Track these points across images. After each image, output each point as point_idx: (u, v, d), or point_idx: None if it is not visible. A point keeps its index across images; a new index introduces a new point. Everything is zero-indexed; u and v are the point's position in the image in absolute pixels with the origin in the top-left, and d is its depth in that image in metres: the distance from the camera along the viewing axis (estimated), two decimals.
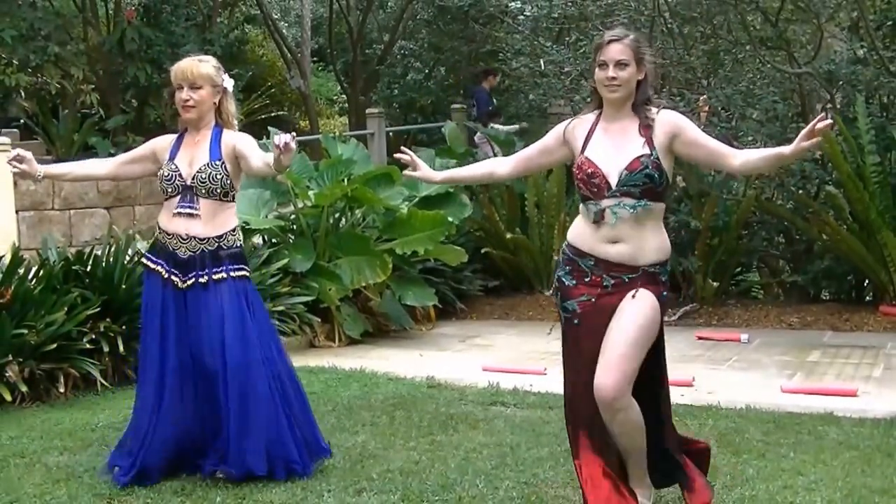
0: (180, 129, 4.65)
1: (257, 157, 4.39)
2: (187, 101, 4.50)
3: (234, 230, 4.55)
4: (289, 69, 14.32)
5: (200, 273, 4.45)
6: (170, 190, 4.51)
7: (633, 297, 3.73)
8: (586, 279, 3.80)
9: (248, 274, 4.61)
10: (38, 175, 4.55)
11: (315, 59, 16.89)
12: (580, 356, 3.82)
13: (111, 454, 4.70)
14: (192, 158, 4.50)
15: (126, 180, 4.84)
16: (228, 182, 4.49)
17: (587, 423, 3.80)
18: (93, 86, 11.13)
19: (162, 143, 4.65)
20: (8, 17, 10.30)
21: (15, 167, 4.52)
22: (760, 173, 3.93)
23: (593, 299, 3.78)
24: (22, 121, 12.14)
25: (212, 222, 4.48)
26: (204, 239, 4.46)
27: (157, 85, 11.61)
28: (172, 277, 4.48)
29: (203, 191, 4.46)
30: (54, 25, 10.96)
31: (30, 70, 10.82)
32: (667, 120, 3.80)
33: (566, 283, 3.85)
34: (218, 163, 4.47)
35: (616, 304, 3.75)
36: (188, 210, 4.47)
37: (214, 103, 4.55)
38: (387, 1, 15.12)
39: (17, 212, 8.62)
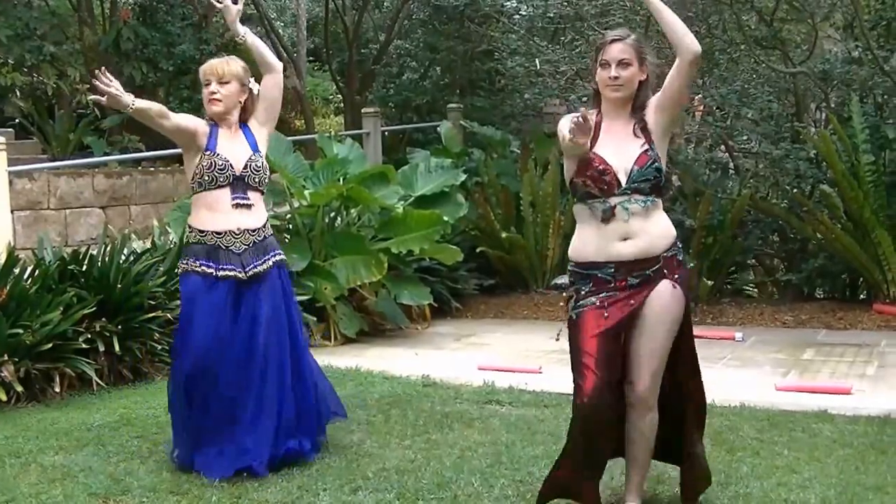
0: (208, 123, 4.66)
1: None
2: (214, 93, 4.59)
3: (267, 220, 4.76)
4: (285, 69, 14.31)
5: (257, 263, 4.60)
6: (220, 180, 4.55)
7: (656, 297, 3.74)
8: (610, 285, 3.76)
9: (284, 257, 4.81)
10: (130, 105, 4.44)
11: (311, 58, 16.88)
12: (598, 351, 3.72)
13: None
14: (236, 151, 4.60)
15: (173, 139, 4.78)
16: (268, 173, 4.71)
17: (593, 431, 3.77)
18: (88, 85, 11.10)
19: (201, 128, 4.62)
20: (3, 17, 10.29)
21: (104, 89, 4.42)
22: (676, 39, 3.66)
23: (618, 293, 3.74)
24: (17, 120, 12.12)
25: (258, 213, 4.68)
26: (254, 230, 4.62)
27: (152, 84, 11.61)
28: (230, 273, 4.56)
29: (256, 181, 4.62)
30: (50, 25, 10.95)
31: (25, 70, 10.80)
32: (649, 108, 3.80)
33: (584, 289, 3.79)
34: (259, 155, 4.65)
35: (639, 305, 3.75)
36: (244, 201, 4.59)
37: (240, 102, 4.66)
38: (382, 1, 15.12)
39: (12, 211, 8.60)
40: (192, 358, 4.56)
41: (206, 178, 4.57)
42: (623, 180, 3.72)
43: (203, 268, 4.57)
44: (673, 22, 3.69)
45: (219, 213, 4.59)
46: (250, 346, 4.56)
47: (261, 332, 4.57)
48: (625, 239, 3.73)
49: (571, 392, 3.83)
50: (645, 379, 3.80)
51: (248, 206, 4.61)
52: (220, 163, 4.56)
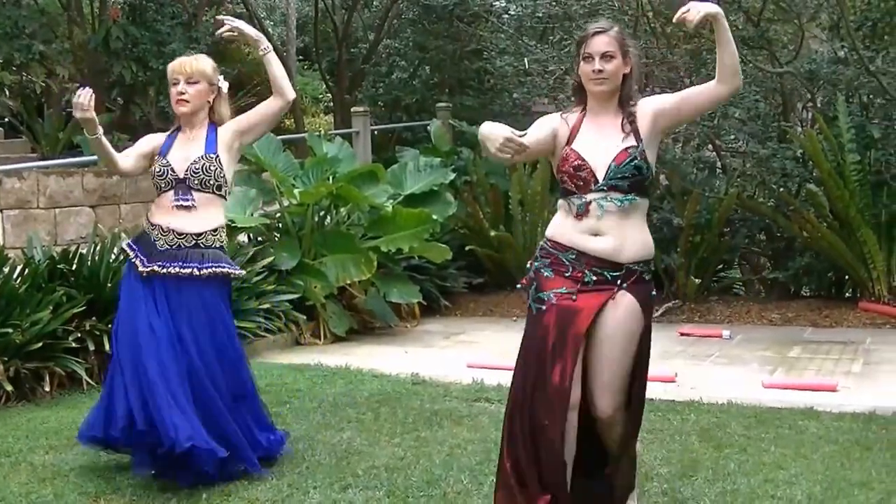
0: (175, 125, 4.66)
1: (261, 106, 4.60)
2: (182, 94, 4.51)
3: (215, 230, 4.55)
4: None
5: (174, 264, 4.45)
6: (162, 185, 4.52)
7: (615, 301, 3.65)
8: (566, 274, 3.68)
9: (225, 271, 4.57)
10: (98, 132, 4.46)
11: (300, 57, 16.88)
12: (543, 352, 3.67)
13: None
14: (187, 154, 4.52)
15: (138, 175, 4.82)
16: (222, 175, 4.52)
17: (522, 433, 3.70)
18: (78, 84, 11.10)
19: (157, 141, 4.65)
20: None
21: (84, 108, 4.40)
22: (732, 70, 3.78)
23: (573, 296, 3.65)
24: (7, 119, 12.11)
25: (199, 218, 4.50)
26: (183, 234, 4.48)
27: (142, 83, 11.60)
28: (148, 267, 4.46)
29: (196, 182, 4.48)
30: (39, 24, 10.94)
31: (14, 68, 10.80)
32: (646, 105, 3.75)
33: (544, 274, 3.72)
34: (212, 155, 4.51)
35: (596, 306, 3.64)
36: (184, 202, 4.48)
37: (208, 102, 4.57)
38: (372, 0, 15.15)
39: (1, 210, 8.60)
40: (122, 345, 4.48)
41: (154, 183, 4.57)
42: (600, 177, 3.66)
43: (133, 254, 4.53)
44: (734, 53, 3.66)
45: (161, 211, 4.53)
46: (174, 346, 4.42)
47: (185, 338, 4.44)
48: (595, 235, 3.67)
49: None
50: (606, 400, 3.69)
51: (188, 208, 4.48)
52: (159, 169, 4.51)
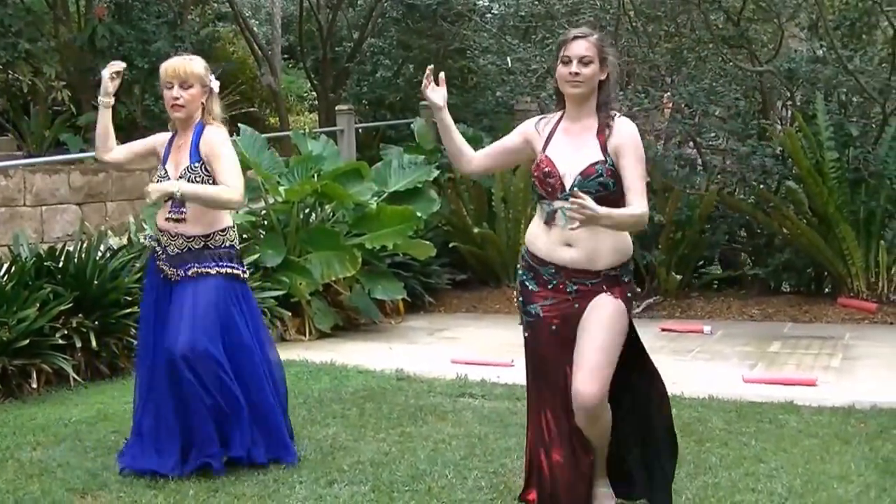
0: (171, 130, 4.70)
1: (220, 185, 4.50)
2: (177, 99, 4.52)
3: (223, 230, 4.59)
4: (259, 66, 14.32)
5: (187, 266, 4.51)
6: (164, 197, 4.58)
7: (597, 304, 3.75)
8: (549, 286, 3.80)
9: (236, 272, 4.62)
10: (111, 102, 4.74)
11: (285, 56, 16.86)
12: (541, 363, 3.86)
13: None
14: (178, 162, 4.56)
15: (131, 167, 4.96)
16: (210, 181, 4.50)
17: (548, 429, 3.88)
18: (64, 82, 11.09)
19: (160, 142, 4.70)
20: None
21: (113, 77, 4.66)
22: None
23: (558, 303, 3.78)
24: None
25: (200, 223, 4.53)
26: (191, 237, 4.52)
27: (128, 82, 11.57)
28: (163, 267, 4.60)
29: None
30: (25, 22, 10.89)
31: (0, 67, 10.76)
32: (621, 132, 3.75)
33: (529, 287, 3.86)
34: (196, 165, 4.51)
35: (580, 314, 3.75)
36: (176, 215, 4.53)
37: (202, 103, 4.58)
38: None
39: None
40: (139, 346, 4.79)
41: None
42: (567, 185, 3.73)
43: (153, 245, 4.71)
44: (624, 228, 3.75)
45: (163, 217, 4.60)
46: (164, 347, 4.51)
47: (171, 335, 4.48)
48: (567, 245, 3.75)
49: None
50: (580, 385, 3.71)
51: (180, 220, 4.52)
52: (158, 179, 4.59)
